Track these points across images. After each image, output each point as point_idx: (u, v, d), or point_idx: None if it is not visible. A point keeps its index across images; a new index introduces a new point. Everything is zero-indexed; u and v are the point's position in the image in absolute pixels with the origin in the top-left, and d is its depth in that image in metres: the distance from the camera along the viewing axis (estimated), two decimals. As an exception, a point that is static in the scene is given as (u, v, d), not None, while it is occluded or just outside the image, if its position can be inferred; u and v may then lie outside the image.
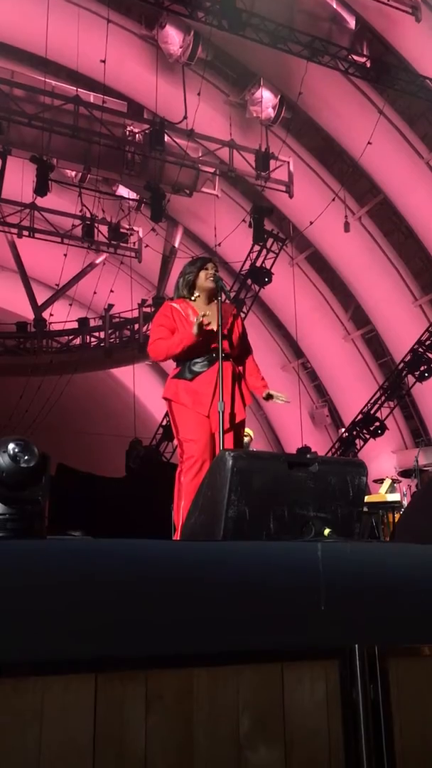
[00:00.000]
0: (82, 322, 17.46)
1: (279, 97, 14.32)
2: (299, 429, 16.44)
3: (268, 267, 13.99)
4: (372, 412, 14.57)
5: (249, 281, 14.17)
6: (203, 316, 3.88)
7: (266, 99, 14.29)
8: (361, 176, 15.35)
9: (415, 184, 14.52)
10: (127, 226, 16.52)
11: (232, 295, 11.31)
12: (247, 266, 14.17)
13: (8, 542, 1.90)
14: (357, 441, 14.73)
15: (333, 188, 15.17)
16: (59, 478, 9.59)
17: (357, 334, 17.61)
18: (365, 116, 13.72)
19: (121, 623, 1.85)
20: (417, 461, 8.92)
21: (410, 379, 14.17)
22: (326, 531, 2.67)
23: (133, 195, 16.18)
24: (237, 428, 3.98)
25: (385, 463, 14.97)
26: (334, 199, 14.66)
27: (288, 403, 4.25)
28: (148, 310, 16.22)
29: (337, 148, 15.23)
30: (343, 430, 15.78)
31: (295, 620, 2.08)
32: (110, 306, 17.04)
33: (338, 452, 14.81)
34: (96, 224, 15.56)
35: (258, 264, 13.96)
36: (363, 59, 12.69)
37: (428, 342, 13.63)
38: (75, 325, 17.39)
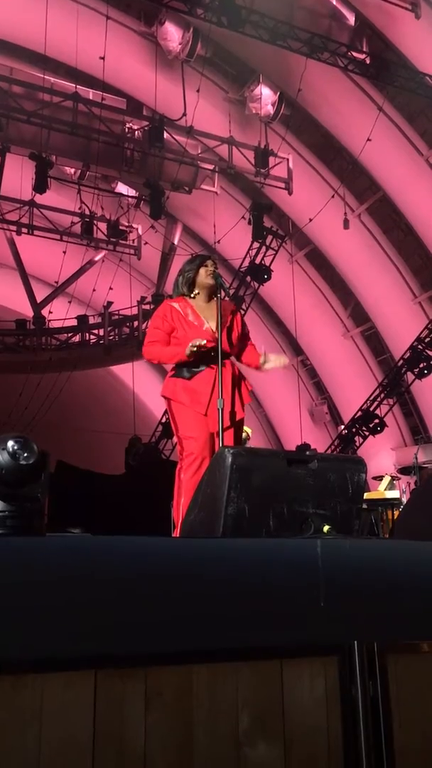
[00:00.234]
0: (82, 319, 17.47)
1: (278, 93, 14.29)
2: (298, 426, 16.45)
3: (267, 264, 13.98)
4: (371, 409, 14.58)
5: (248, 278, 14.16)
6: (200, 343, 3.84)
7: (265, 96, 14.27)
8: (360, 173, 15.34)
9: (415, 181, 14.51)
10: (127, 224, 16.52)
11: (231, 292, 11.29)
12: (246, 263, 14.17)
13: (8, 539, 1.90)
14: (356, 438, 14.74)
15: (332, 185, 15.16)
16: (59, 475, 9.59)
17: (356, 332, 17.61)
18: (365, 113, 13.70)
19: (120, 620, 1.85)
20: (416, 458, 8.92)
21: (410, 376, 14.17)
22: (325, 528, 2.67)
23: (132, 192, 16.17)
24: (236, 427, 3.98)
25: (384, 460, 14.99)
26: (333, 196, 14.65)
27: (287, 366, 4.22)
28: (147, 307, 16.22)
29: (337, 144, 15.22)
30: (343, 427, 15.79)
31: (294, 617, 2.08)
32: (109, 303, 17.04)
33: (338, 449, 14.82)
34: (95, 221, 15.54)
35: (257, 261, 13.95)
36: (362, 56, 12.67)
37: (427, 339, 13.63)
38: (74, 322, 17.40)
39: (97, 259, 17.65)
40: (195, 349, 3.83)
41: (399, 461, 14.66)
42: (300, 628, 2.08)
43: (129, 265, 17.40)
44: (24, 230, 15.28)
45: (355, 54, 12.44)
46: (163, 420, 14.04)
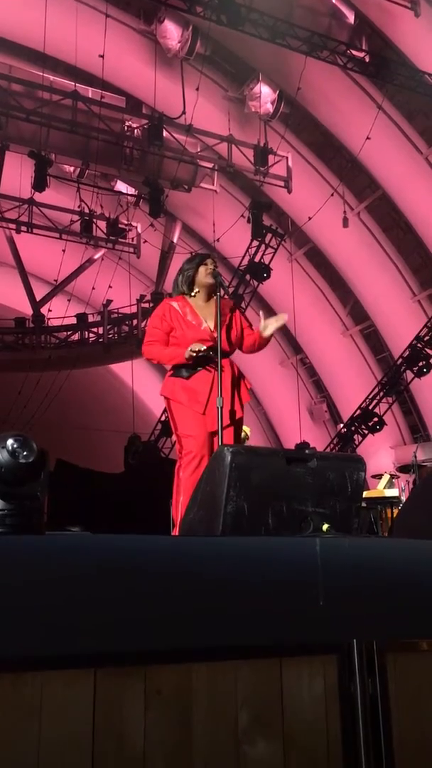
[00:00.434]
0: (81, 317, 17.47)
1: (278, 92, 14.29)
2: (298, 424, 16.45)
3: (266, 262, 13.99)
4: (370, 407, 14.58)
5: (248, 277, 14.16)
6: (199, 349, 3.84)
7: (265, 94, 14.25)
8: (360, 171, 15.34)
9: (414, 179, 14.51)
10: (126, 222, 16.50)
11: (230, 291, 11.29)
12: (245, 262, 14.17)
13: (7, 538, 1.90)
14: (355, 436, 14.74)
15: (332, 183, 15.15)
16: (58, 473, 9.60)
17: (356, 330, 17.61)
18: (364, 111, 13.70)
19: (120, 619, 1.85)
20: (415, 457, 8.93)
21: (409, 374, 14.17)
22: (325, 526, 2.67)
23: (131, 190, 16.16)
24: (235, 426, 3.98)
25: (383, 459, 14.99)
26: (332, 195, 14.64)
27: (286, 319, 4.17)
28: (146, 305, 16.21)
29: (336, 143, 15.21)
30: (342, 425, 15.79)
31: (293, 615, 2.08)
32: (109, 301, 17.04)
33: (337, 448, 14.82)
34: (94, 220, 15.53)
35: (257, 259, 13.95)
36: (362, 54, 12.66)
37: (427, 338, 13.63)
38: (73, 320, 17.40)
39: (96, 257, 17.64)
40: (194, 354, 3.84)
41: (398, 460, 14.67)
42: (299, 626, 2.08)
43: (128, 264, 17.39)
44: (23, 228, 15.27)
45: (354, 52, 12.44)
46: (163, 418, 14.05)
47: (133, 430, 14.45)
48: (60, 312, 17.14)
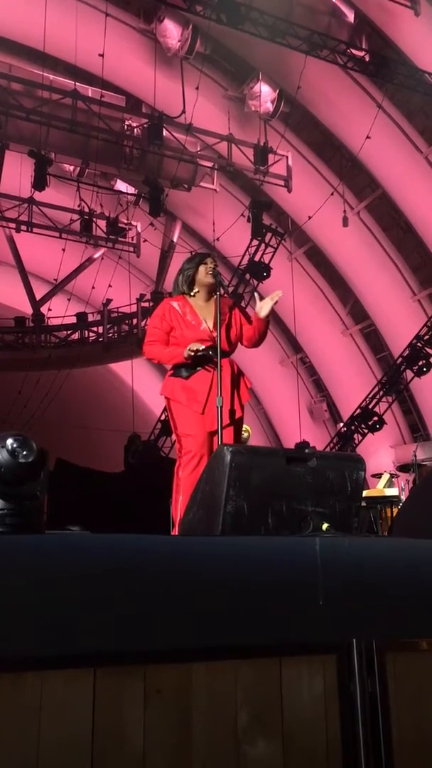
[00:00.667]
0: (81, 316, 17.47)
1: (278, 91, 14.28)
2: (297, 424, 16.45)
3: (266, 262, 13.98)
4: (370, 406, 14.58)
5: (248, 276, 14.16)
6: (198, 348, 3.85)
7: (265, 93, 14.25)
8: (359, 171, 15.34)
9: (414, 178, 14.51)
10: (126, 221, 16.50)
11: (230, 290, 11.29)
12: (245, 261, 14.17)
13: (7, 537, 1.90)
14: (355, 436, 14.74)
15: (332, 183, 15.15)
16: (58, 473, 9.60)
17: (355, 329, 17.61)
18: (364, 110, 13.69)
19: (119, 618, 1.85)
20: (415, 456, 8.93)
21: (408, 373, 14.17)
22: (324, 526, 2.68)
23: (131, 189, 16.15)
24: (235, 425, 3.98)
25: (383, 458, 14.99)
26: (332, 194, 14.64)
27: (280, 295, 4.13)
28: (146, 305, 16.21)
29: (336, 142, 15.21)
30: (342, 424, 15.79)
31: (293, 615, 2.08)
32: (108, 301, 17.03)
33: (337, 447, 14.82)
34: (94, 219, 15.53)
35: (256, 259, 13.94)
36: (362, 53, 12.66)
37: (426, 337, 13.63)
38: (73, 319, 17.40)
39: (96, 256, 17.63)
40: (192, 353, 3.84)
41: (398, 459, 14.68)
42: (299, 625, 2.08)
43: (128, 263, 17.39)
44: (23, 228, 15.27)
45: (354, 51, 12.43)
46: (162, 418, 14.05)
47: (133, 430, 14.45)
48: (60, 311, 17.14)
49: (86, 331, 17.43)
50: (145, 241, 16.98)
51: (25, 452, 1.97)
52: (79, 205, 15.18)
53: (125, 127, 14.08)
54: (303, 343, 18.17)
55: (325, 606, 2.10)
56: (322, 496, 2.77)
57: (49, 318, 17.43)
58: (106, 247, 16.86)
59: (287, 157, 14.78)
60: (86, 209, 15.23)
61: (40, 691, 1.67)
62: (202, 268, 4.11)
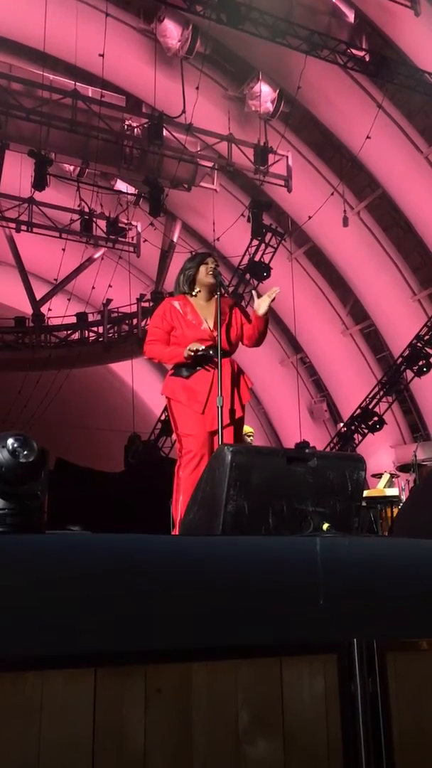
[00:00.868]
0: (81, 316, 17.47)
1: (278, 91, 14.28)
2: (298, 424, 16.45)
3: (266, 262, 13.98)
4: (370, 407, 14.58)
5: (248, 276, 14.15)
6: (197, 348, 3.85)
7: (265, 93, 14.25)
8: (359, 171, 15.34)
9: (414, 178, 14.51)
10: (126, 221, 16.50)
11: (231, 290, 11.29)
12: (245, 261, 14.16)
13: (7, 537, 1.90)
14: (355, 436, 14.74)
15: (332, 183, 15.15)
16: (58, 473, 9.61)
17: (356, 329, 17.61)
18: (364, 110, 13.69)
19: (120, 618, 1.85)
20: (415, 456, 8.93)
21: (409, 374, 14.17)
22: (325, 526, 2.67)
23: (131, 189, 16.16)
24: (235, 425, 3.97)
25: (383, 458, 14.99)
26: (332, 194, 14.64)
27: (278, 292, 4.12)
28: (146, 304, 16.22)
29: (336, 142, 15.21)
30: (342, 424, 15.79)
31: (293, 615, 2.08)
32: (108, 301, 17.04)
33: (337, 447, 14.82)
34: (94, 219, 15.53)
35: (257, 258, 13.94)
36: (362, 53, 12.66)
37: (427, 337, 13.63)
38: (73, 319, 17.40)
39: (96, 256, 17.64)
40: (192, 353, 3.84)
41: (398, 459, 14.68)
42: (299, 625, 2.08)
43: (128, 263, 17.39)
44: (23, 227, 15.27)
45: (354, 51, 12.44)
46: (163, 417, 14.05)
47: (133, 430, 14.46)
48: (60, 311, 17.15)
49: (86, 331, 17.44)
50: (145, 241, 16.99)
51: (25, 452, 1.97)
52: (79, 205, 15.19)
53: (125, 127, 14.08)
54: (303, 343, 18.17)
55: (325, 606, 2.10)
56: (323, 496, 2.77)
57: (49, 318, 17.43)
58: (106, 247, 16.86)
59: (287, 157, 14.79)
60: (86, 209, 15.23)
61: (41, 691, 1.67)
62: (202, 268, 4.11)
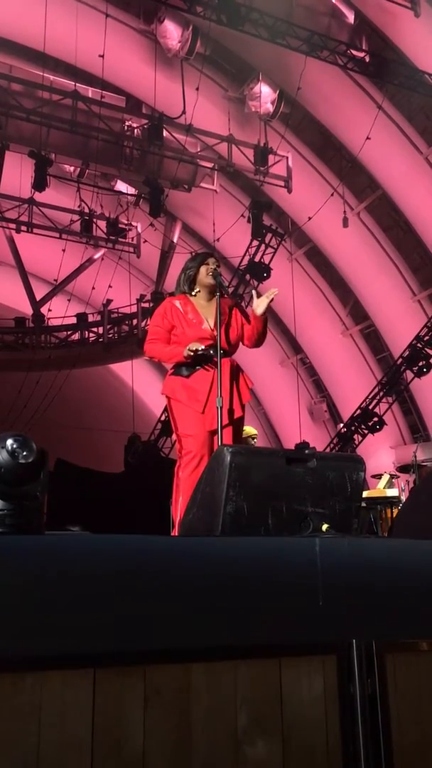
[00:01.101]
0: (81, 317, 17.47)
1: (278, 91, 14.29)
2: (297, 424, 16.45)
3: (266, 262, 13.98)
4: (370, 407, 14.58)
5: (248, 276, 14.16)
6: (197, 348, 3.86)
7: (265, 94, 14.26)
8: (360, 171, 15.34)
9: (414, 179, 14.51)
10: (126, 222, 16.50)
11: (231, 290, 11.29)
12: (245, 261, 14.17)
13: (7, 538, 1.90)
14: (355, 436, 14.74)
15: (332, 183, 15.15)
16: (58, 473, 9.61)
17: (355, 330, 17.61)
18: (364, 111, 13.70)
19: (119, 618, 1.85)
20: (415, 456, 8.92)
21: (409, 374, 14.17)
22: (324, 526, 2.67)
23: (131, 190, 16.16)
24: (235, 425, 3.97)
25: (383, 459, 14.99)
26: (332, 194, 14.64)
27: (276, 293, 4.13)
28: (146, 305, 16.22)
29: (336, 143, 15.21)
30: (342, 425, 15.79)
31: (293, 615, 2.09)
32: (109, 301, 17.04)
33: (337, 448, 14.82)
34: (94, 219, 15.53)
35: (257, 259, 13.94)
36: (362, 54, 12.66)
37: (427, 337, 13.62)
38: (73, 320, 17.40)
39: (96, 257, 17.64)
40: (191, 353, 3.84)
41: (398, 459, 14.67)
42: (298, 626, 2.08)
43: (128, 263, 17.39)
44: (23, 228, 15.27)
45: (354, 52, 12.44)
46: (163, 418, 14.05)
47: (133, 430, 14.46)
48: (60, 312, 17.15)
49: (86, 332, 17.44)
50: (146, 241, 16.99)
51: (25, 453, 1.97)
52: (79, 206, 15.19)
53: (125, 127, 14.08)
54: (303, 344, 18.17)
55: (324, 607, 2.10)
56: (322, 496, 2.77)
57: (49, 318, 17.43)
58: (106, 248, 16.86)
59: (287, 158, 14.79)
60: (86, 210, 15.24)
61: (40, 691, 1.67)
62: (203, 269, 4.12)
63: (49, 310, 17.40)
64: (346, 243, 15.82)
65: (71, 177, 15.45)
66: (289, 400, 18.12)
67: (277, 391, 18.76)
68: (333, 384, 18.30)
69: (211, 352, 3.89)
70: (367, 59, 12.67)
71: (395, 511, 7.63)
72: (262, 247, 13.95)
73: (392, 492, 8.15)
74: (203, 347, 3.87)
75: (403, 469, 9.74)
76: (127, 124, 14.11)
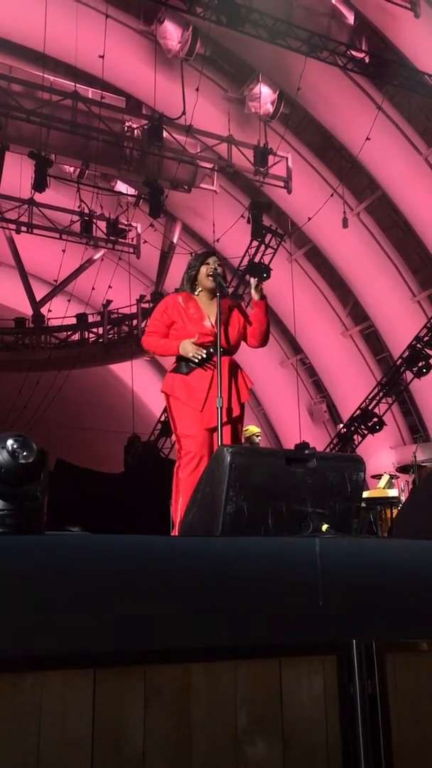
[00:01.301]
0: (81, 317, 17.48)
1: (277, 92, 14.29)
2: (297, 425, 16.45)
3: (266, 263, 13.99)
4: (370, 408, 14.58)
5: (247, 277, 14.14)
6: (196, 358, 3.88)
7: (265, 94, 14.26)
8: (359, 172, 15.34)
9: (414, 179, 14.51)
10: (126, 222, 16.51)
11: (230, 291, 11.29)
12: (245, 262, 14.17)
13: (7, 538, 1.90)
14: (355, 437, 14.74)
15: (331, 184, 15.16)
16: (58, 473, 9.61)
17: (355, 330, 17.61)
18: (364, 112, 13.70)
19: (119, 618, 1.85)
20: (415, 457, 8.93)
21: (408, 375, 14.17)
22: (324, 527, 2.67)
23: (131, 191, 16.17)
24: (234, 423, 3.97)
25: (383, 459, 14.99)
26: (332, 195, 14.65)
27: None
28: (146, 305, 16.22)
29: (336, 143, 15.22)
30: (342, 425, 15.79)
31: (293, 615, 2.09)
32: (108, 302, 17.05)
33: (336, 448, 14.82)
34: (94, 220, 15.54)
35: (256, 260, 13.95)
36: (362, 55, 12.67)
37: (426, 338, 13.62)
38: (73, 320, 17.41)
39: (96, 257, 17.64)
40: (188, 353, 3.86)
41: (398, 460, 14.67)
42: (298, 626, 2.08)
43: (128, 264, 17.40)
44: (23, 229, 15.27)
45: (354, 53, 12.44)
46: (162, 418, 14.05)
47: (133, 431, 14.46)
48: (60, 312, 17.15)
49: (86, 332, 17.44)
50: (145, 242, 17.00)
51: (25, 453, 1.97)
52: (79, 207, 15.19)
53: (125, 128, 14.09)
54: (303, 344, 18.17)
55: (324, 606, 2.10)
56: (322, 497, 2.77)
57: (49, 319, 17.44)
58: (106, 248, 16.87)
59: (287, 159, 14.80)
60: (86, 210, 15.24)
61: (40, 691, 1.67)
62: (203, 269, 4.12)
63: (49, 310, 17.41)
64: (345, 243, 15.82)
65: (71, 177, 15.46)
66: (288, 400, 18.12)
67: (277, 392, 18.76)
68: (333, 384, 18.30)
69: (211, 350, 3.90)
70: (367, 60, 12.68)
71: (395, 512, 7.63)
72: (262, 247, 13.96)
73: (392, 492, 8.15)
74: (198, 359, 3.87)
75: (403, 469, 9.75)
76: (127, 124, 14.12)
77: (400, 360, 14.29)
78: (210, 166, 14.77)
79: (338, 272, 16.97)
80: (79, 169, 15.26)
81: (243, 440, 8.62)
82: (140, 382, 18.03)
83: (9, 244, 17.38)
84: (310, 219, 14.78)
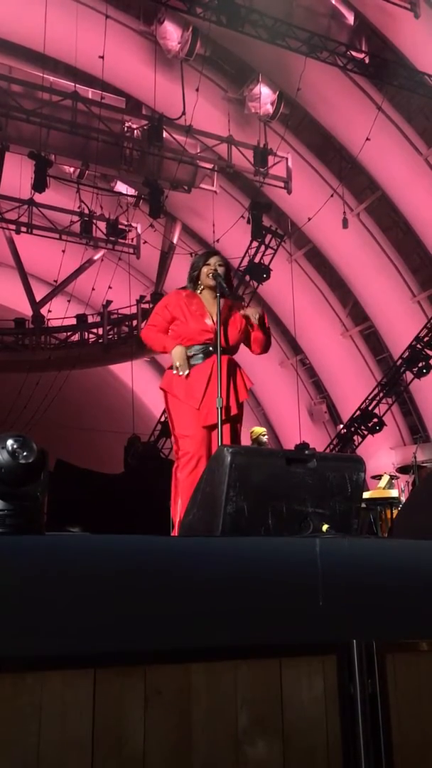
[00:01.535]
0: (81, 318, 17.47)
1: (277, 92, 14.29)
2: (297, 425, 16.45)
3: (266, 263, 13.99)
4: (370, 408, 14.58)
5: (247, 277, 14.16)
6: (182, 371, 3.91)
7: (264, 95, 14.27)
8: (359, 172, 15.34)
9: (414, 180, 14.52)
10: (126, 222, 16.51)
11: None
12: (245, 262, 14.17)
13: (7, 538, 1.90)
14: (355, 437, 14.74)
15: (331, 184, 15.16)
16: (58, 474, 9.60)
17: (355, 331, 17.61)
18: (364, 112, 13.70)
19: (119, 618, 1.85)
20: (415, 457, 8.93)
21: (408, 375, 14.17)
22: (324, 527, 2.67)
23: (131, 191, 16.17)
24: (233, 423, 3.97)
25: (383, 459, 14.98)
26: (332, 195, 14.65)
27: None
28: (146, 306, 16.22)
29: (336, 144, 15.22)
30: (342, 426, 15.79)
31: (293, 616, 2.09)
32: (108, 302, 17.04)
33: (336, 449, 14.82)
34: (94, 220, 15.54)
35: (256, 260, 13.95)
36: (362, 55, 12.67)
37: (426, 338, 13.63)
38: (73, 321, 17.40)
39: (96, 258, 17.64)
40: (178, 369, 3.90)
41: (398, 460, 14.67)
42: (299, 626, 2.08)
43: (128, 264, 17.40)
44: (23, 229, 15.28)
45: (354, 53, 12.45)
46: (162, 419, 14.04)
47: (133, 431, 14.45)
48: (60, 313, 17.15)
49: (86, 333, 17.44)
50: (145, 242, 17.00)
51: (25, 453, 1.97)
52: (79, 207, 15.19)
53: (125, 128, 14.09)
54: (303, 345, 18.17)
55: (325, 607, 2.10)
56: (322, 497, 2.77)
57: (49, 319, 17.44)
58: (106, 249, 16.87)
59: (287, 159, 14.80)
60: (86, 211, 15.24)
61: (40, 691, 1.67)
62: (204, 269, 4.13)
63: (49, 311, 17.41)
64: (345, 244, 15.82)
65: (71, 178, 15.46)
66: (288, 401, 18.12)
67: (277, 392, 18.76)
68: (333, 385, 18.30)
69: (210, 349, 3.90)
70: (367, 60, 12.69)
71: (395, 512, 7.64)
72: (262, 248, 13.95)
73: (392, 493, 8.16)
74: (182, 372, 3.89)
75: (403, 470, 9.75)
76: (126, 125, 14.12)
77: (400, 360, 14.29)
78: (210, 166, 14.77)
79: (338, 272, 16.97)
80: (78, 170, 15.26)
81: (251, 441, 8.63)
82: (140, 382, 18.03)
83: (9, 244, 17.38)
84: (310, 219, 14.78)
